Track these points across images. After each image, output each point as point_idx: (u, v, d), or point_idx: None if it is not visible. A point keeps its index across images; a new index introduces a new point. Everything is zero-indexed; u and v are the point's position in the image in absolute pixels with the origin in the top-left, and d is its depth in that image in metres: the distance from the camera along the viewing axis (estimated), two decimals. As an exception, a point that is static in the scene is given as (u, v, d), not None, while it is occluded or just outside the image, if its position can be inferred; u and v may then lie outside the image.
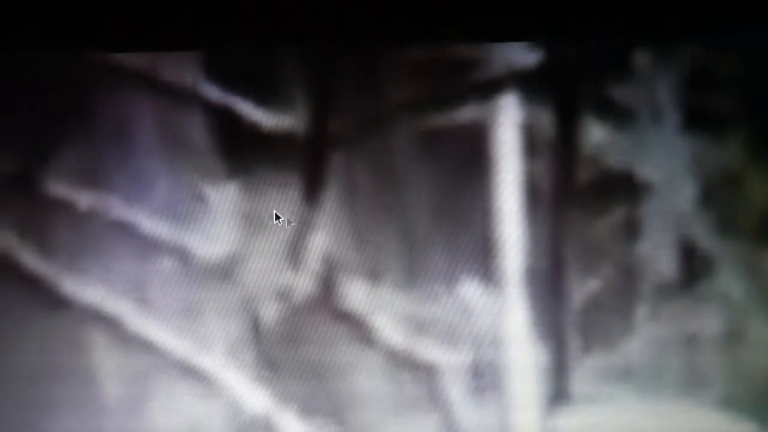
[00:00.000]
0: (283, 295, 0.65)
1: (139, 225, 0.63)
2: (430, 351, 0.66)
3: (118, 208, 0.63)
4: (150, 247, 0.64)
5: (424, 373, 0.66)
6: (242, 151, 0.64)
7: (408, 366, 0.66)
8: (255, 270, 0.65)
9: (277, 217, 0.62)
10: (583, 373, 0.68)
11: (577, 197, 0.68)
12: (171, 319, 0.64)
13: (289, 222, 0.65)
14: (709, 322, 0.69)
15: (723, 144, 0.70)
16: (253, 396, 0.65)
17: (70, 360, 0.63)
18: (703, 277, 0.69)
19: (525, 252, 0.67)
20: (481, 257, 0.67)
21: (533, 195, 0.67)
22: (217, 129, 0.64)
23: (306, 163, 0.65)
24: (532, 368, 0.67)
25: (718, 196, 0.69)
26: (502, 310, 0.67)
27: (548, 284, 0.68)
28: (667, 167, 0.69)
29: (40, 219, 0.62)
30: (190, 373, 0.64)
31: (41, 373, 0.62)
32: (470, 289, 0.67)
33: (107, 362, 0.63)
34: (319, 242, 0.65)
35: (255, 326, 0.64)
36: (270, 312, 0.65)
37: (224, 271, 0.64)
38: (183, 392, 0.64)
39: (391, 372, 0.66)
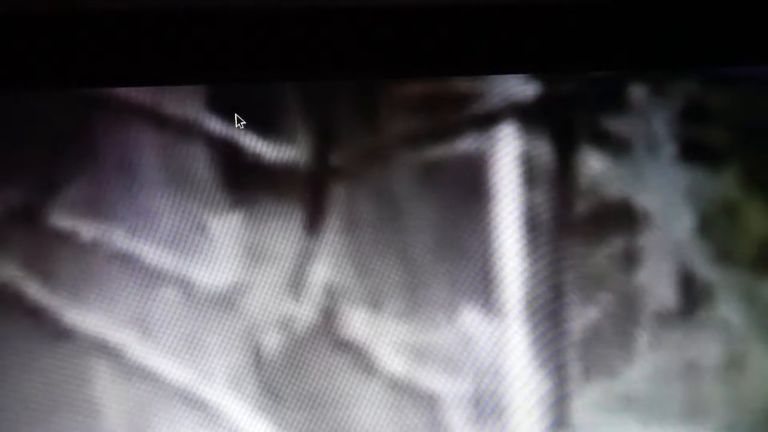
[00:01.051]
0: (285, 325, 0.64)
1: (142, 256, 0.63)
2: (431, 380, 0.65)
3: (121, 240, 0.62)
4: (153, 277, 0.63)
5: (425, 402, 0.65)
6: (245, 183, 0.64)
7: (409, 395, 0.65)
8: (257, 300, 0.64)
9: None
10: (584, 401, 0.66)
11: (575, 227, 0.67)
12: (173, 349, 0.63)
13: (290, 252, 0.64)
14: (709, 350, 0.68)
15: (719, 174, 0.69)
16: (255, 425, 0.63)
17: (73, 391, 0.61)
18: (703, 306, 0.68)
19: (525, 282, 0.66)
20: (482, 287, 0.66)
21: (532, 225, 0.67)
22: (219, 161, 0.63)
23: (308, 194, 0.64)
24: (532, 397, 0.66)
25: (716, 225, 0.69)
26: (503, 339, 0.66)
27: (548, 314, 0.67)
28: (665, 197, 0.69)
29: (44, 251, 0.61)
30: (192, 402, 0.63)
31: (44, 404, 0.61)
32: (471, 319, 0.66)
33: (110, 392, 0.62)
34: (321, 272, 0.64)
35: (257, 356, 0.63)
36: (271, 342, 0.64)
37: (226, 301, 0.63)
38: (185, 422, 0.62)
39: (392, 401, 0.64)
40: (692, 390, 0.68)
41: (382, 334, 0.65)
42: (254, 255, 0.64)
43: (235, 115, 0.63)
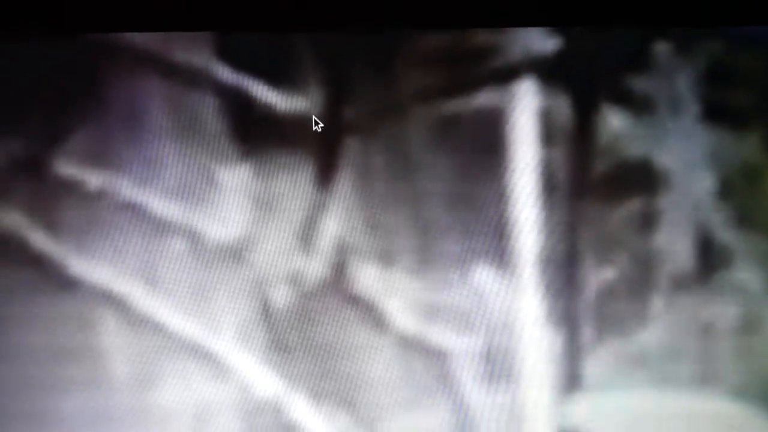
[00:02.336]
0: (295, 279, 0.61)
1: (149, 206, 0.60)
2: (442, 336, 0.62)
3: (128, 190, 0.60)
4: (160, 228, 0.60)
5: (436, 358, 0.62)
6: (255, 134, 0.61)
7: (420, 351, 0.62)
8: (266, 253, 0.61)
9: None
10: (597, 360, 0.64)
11: (593, 186, 0.64)
12: (181, 300, 0.60)
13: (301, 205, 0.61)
14: (724, 313, 0.65)
15: (742, 136, 0.66)
16: (263, 379, 0.61)
17: (78, 340, 0.59)
18: (720, 269, 0.65)
19: (540, 239, 0.63)
20: (496, 243, 0.63)
21: (549, 183, 0.63)
22: (229, 111, 0.60)
23: (319, 146, 0.62)
24: (545, 354, 0.63)
25: (737, 188, 0.65)
26: (516, 296, 0.63)
27: (563, 272, 0.64)
28: (686, 158, 0.65)
29: (49, 199, 0.59)
30: (199, 354, 0.60)
31: (49, 353, 0.59)
32: (484, 275, 0.62)
33: (115, 344, 0.59)
34: (332, 226, 0.61)
35: (265, 309, 0.61)
36: (281, 295, 0.61)
37: (235, 254, 0.61)
38: (192, 374, 0.60)
39: (403, 357, 0.62)
40: (706, 353, 0.65)
41: (393, 290, 0.62)
42: (264, 207, 0.61)
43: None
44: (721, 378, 0.65)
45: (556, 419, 0.64)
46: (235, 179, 0.61)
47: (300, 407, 0.61)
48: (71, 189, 0.59)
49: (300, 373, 0.61)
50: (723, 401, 0.65)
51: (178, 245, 0.60)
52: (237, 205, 0.61)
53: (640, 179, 0.65)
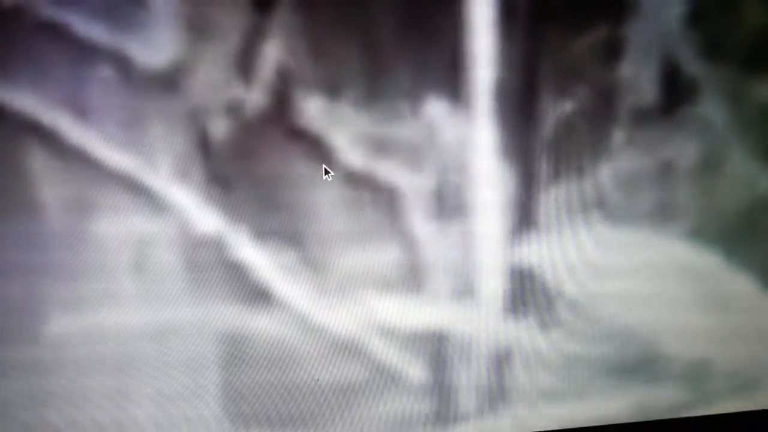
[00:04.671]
0: (233, 109, 0.55)
1: (72, 27, 0.52)
2: (392, 173, 0.57)
3: (47, 7, 0.52)
4: (86, 52, 0.53)
5: (385, 196, 0.57)
6: (185, -52, 0.53)
7: (368, 188, 0.57)
8: (202, 80, 0.54)
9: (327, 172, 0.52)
10: (551, 201, 0.59)
11: (555, 10, 0.57)
12: (111, 132, 0.54)
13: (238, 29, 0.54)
14: (686, 150, 0.60)
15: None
16: (203, 215, 0.55)
17: (5, 177, 0.53)
18: (685, 103, 0.59)
19: (496, 71, 0.56)
20: (449, 73, 0.56)
21: (508, 6, 0.56)
22: None
23: (258, -37, 0.53)
24: (498, 195, 0.58)
25: (709, 14, 0.58)
26: (470, 130, 0.57)
27: (519, 104, 0.58)
28: (655, -16, 0.58)
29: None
30: (135, 189, 0.55)
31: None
32: (436, 110, 0.56)
33: (45, 179, 0.53)
34: (272, 53, 0.54)
35: (203, 141, 0.54)
36: (219, 126, 0.55)
37: (168, 81, 0.54)
38: (128, 211, 0.55)
39: (350, 194, 0.57)
40: (664, 192, 0.61)
41: (339, 123, 0.56)
42: (198, 30, 0.54)
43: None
44: (678, 218, 0.61)
45: (509, 257, 0.60)
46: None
47: (243, 244, 0.56)
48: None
49: (242, 208, 0.56)
50: (679, 241, 0.61)
51: (105, 71, 0.53)
52: (169, 28, 0.53)
53: (605, 4, 0.58)
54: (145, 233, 0.55)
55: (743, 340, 0.64)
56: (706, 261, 0.62)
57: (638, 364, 0.63)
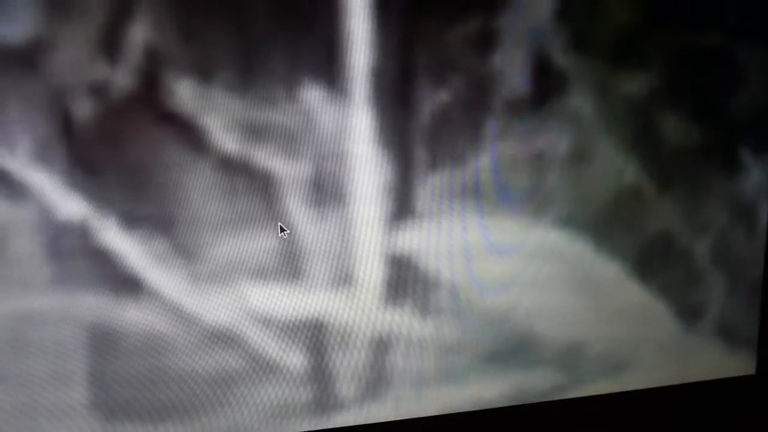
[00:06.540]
0: (98, 90, 0.51)
1: None
2: (267, 160, 0.54)
3: None
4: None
5: (260, 183, 0.54)
6: None
7: (242, 175, 0.54)
8: (63, 59, 0.50)
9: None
10: (428, 189, 0.57)
11: (431, 3, 0.55)
12: (-38, 111, 0.49)
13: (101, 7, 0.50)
14: (557, 140, 0.60)
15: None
16: (67, 201, 0.51)
17: None
18: (555, 95, 0.59)
19: (373, 59, 0.55)
20: (326, 61, 0.54)
21: (384, -4, 0.54)
22: None
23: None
24: (375, 183, 0.57)
25: (577, 11, 0.58)
26: (346, 117, 0.55)
27: (396, 94, 0.56)
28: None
29: None
30: (-10, 175, 0.50)
31: None
32: (312, 96, 0.54)
33: None
34: (139, 32, 0.51)
35: (66, 124, 0.50)
36: (83, 108, 0.51)
37: (25, 59, 0.49)
38: (-18, 193, 0.50)
39: (224, 181, 0.54)
40: (537, 180, 0.60)
41: (212, 108, 0.53)
42: (57, 4, 0.49)
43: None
44: (550, 205, 0.61)
45: (387, 244, 0.58)
46: (22, -29, 0.49)
47: (110, 231, 0.53)
48: None
49: (110, 194, 0.52)
50: (551, 228, 0.61)
51: (-46, 46, 0.48)
52: (26, 1, 0.49)
53: (480, -5, 0.57)
54: (2, 220, 0.50)
55: (612, 324, 0.65)
56: (578, 247, 0.63)
57: (515, 348, 0.63)
